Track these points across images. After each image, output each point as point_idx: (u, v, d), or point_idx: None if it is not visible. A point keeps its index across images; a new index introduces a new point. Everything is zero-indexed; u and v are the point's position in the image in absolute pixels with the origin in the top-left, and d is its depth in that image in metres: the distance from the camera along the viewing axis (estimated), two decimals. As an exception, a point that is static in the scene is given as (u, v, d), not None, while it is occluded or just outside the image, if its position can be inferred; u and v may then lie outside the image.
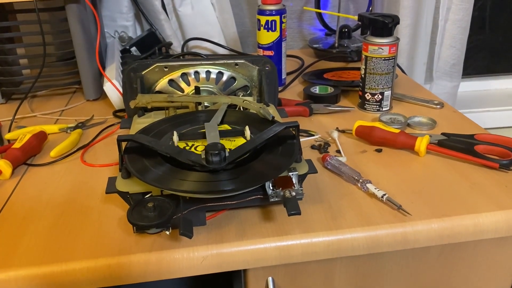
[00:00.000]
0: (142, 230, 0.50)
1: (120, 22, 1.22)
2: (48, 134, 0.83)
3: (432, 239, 0.57)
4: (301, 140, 0.77)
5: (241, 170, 0.52)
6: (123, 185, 0.53)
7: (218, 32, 1.25)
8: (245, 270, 0.58)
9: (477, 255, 0.61)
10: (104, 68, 0.98)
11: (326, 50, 1.19)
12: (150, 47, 1.10)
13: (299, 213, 0.50)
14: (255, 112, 0.64)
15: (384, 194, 0.60)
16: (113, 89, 0.87)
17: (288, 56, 1.22)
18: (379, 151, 0.73)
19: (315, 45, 1.22)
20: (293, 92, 1.00)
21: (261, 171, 0.53)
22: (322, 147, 0.74)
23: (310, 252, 0.55)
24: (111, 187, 0.53)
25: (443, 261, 0.61)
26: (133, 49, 1.10)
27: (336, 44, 1.20)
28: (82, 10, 0.91)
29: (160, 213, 0.49)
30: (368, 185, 0.62)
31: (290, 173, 0.55)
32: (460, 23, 1.22)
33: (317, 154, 0.73)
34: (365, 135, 0.75)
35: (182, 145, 0.57)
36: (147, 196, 0.53)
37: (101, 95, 0.99)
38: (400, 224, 0.56)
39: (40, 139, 0.76)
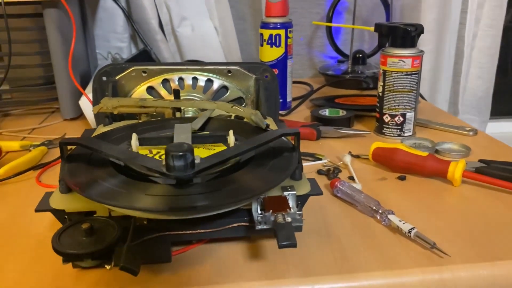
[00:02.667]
0: (72, 261, 0.36)
1: (114, 43, 1.12)
2: (8, 152, 0.70)
3: (480, 291, 0.41)
4: (305, 164, 0.63)
5: (217, 183, 0.38)
6: (58, 201, 0.39)
7: (220, 57, 1.15)
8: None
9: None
10: (85, 85, 0.87)
11: (338, 76, 1.07)
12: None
13: (294, 245, 0.35)
14: (247, 121, 0.51)
15: (412, 228, 0.45)
16: (89, 104, 0.75)
17: (296, 82, 1.10)
18: (402, 178, 0.59)
19: (326, 72, 1.10)
20: (300, 117, 0.87)
21: (247, 185, 0.38)
22: (332, 172, 0.60)
23: (310, 303, 0.40)
24: (43, 204, 0.40)
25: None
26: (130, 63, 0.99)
27: (349, 70, 1.08)
28: (62, 18, 0.81)
29: (99, 239, 0.35)
30: (391, 217, 0.47)
31: (286, 193, 0.40)
32: (489, 50, 1.10)
33: (325, 181, 0.59)
34: (385, 159, 0.61)
35: (144, 152, 0.43)
36: (94, 215, 0.39)
37: (81, 114, 0.87)
38: (436, 268, 0.41)
39: (-10, 154, 0.63)
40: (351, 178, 0.59)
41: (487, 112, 1.17)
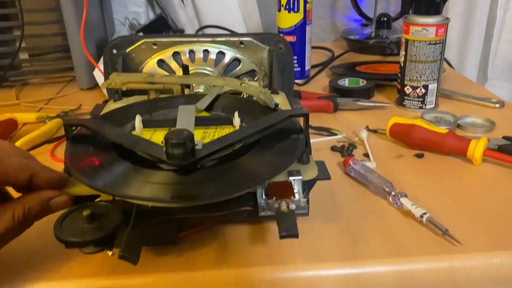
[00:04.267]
0: (73, 248, 0.36)
1: (131, 8, 1.10)
2: (24, 123, 0.71)
3: (492, 280, 0.40)
4: (320, 140, 0.62)
5: (221, 170, 0.37)
6: None
7: (239, 22, 1.12)
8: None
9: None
10: (101, 53, 0.86)
11: (361, 41, 1.03)
12: (159, 33, 0.98)
13: (296, 236, 0.34)
14: (256, 99, 0.49)
15: (424, 213, 0.43)
16: (102, 76, 0.74)
17: (316, 48, 1.06)
18: (420, 156, 0.56)
19: (348, 36, 1.06)
20: (318, 86, 0.84)
21: (251, 171, 0.37)
22: (346, 149, 0.58)
23: (316, 289, 0.39)
24: None
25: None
26: (141, 34, 0.98)
27: (373, 35, 1.03)
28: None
29: (101, 225, 0.35)
30: (403, 200, 0.45)
31: (291, 178, 0.39)
32: (524, 12, 1.03)
33: (339, 158, 0.58)
34: (403, 136, 0.58)
35: (147, 134, 0.43)
36: (96, 200, 0.39)
37: (97, 83, 0.87)
38: (447, 256, 0.40)
39: (7, 127, 0.64)
40: (366, 155, 0.58)
41: (518, 78, 1.11)
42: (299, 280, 0.39)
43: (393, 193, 0.47)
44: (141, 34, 0.98)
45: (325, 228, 0.44)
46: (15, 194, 0.38)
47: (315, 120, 0.68)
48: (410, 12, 0.68)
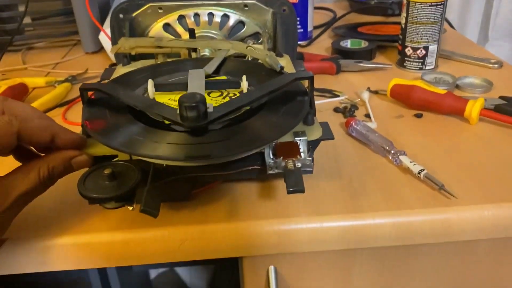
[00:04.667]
0: (96, 203, 0.39)
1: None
2: (33, 88, 0.73)
3: (483, 230, 0.43)
4: (323, 101, 0.64)
5: (231, 131, 0.40)
6: None
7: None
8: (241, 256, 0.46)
9: (542, 252, 0.47)
10: (105, 16, 0.86)
11: (363, 2, 1.03)
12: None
13: (302, 191, 0.37)
14: (261, 62, 0.51)
15: (422, 170, 0.46)
16: (108, 40, 0.75)
17: (318, 8, 1.07)
18: (419, 116, 0.59)
19: (350, -3, 1.06)
20: (320, 47, 0.86)
21: (259, 132, 0.40)
22: (348, 110, 0.61)
23: (319, 240, 0.42)
24: None
25: (493, 259, 0.47)
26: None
27: (375, -5, 1.03)
28: None
29: (121, 183, 0.37)
30: (402, 158, 0.48)
31: (297, 138, 0.42)
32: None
33: (341, 119, 0.60)
34: (403, 97, 0.60)
35: (160, 97, 0.45)
36: (114, 160, 0.41)
37: (102, 47, 0.88)
38: (442, 209, 0.43)
39: (18, 92, 0.65)
40: (368, 115, 0.60)
41: (519, 38, 1.11)
42: (304, 231, 0.42)
43: (392, 151, 0.49)
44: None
45: (328, 184, 0.47)
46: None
47: (318, 81, 0.70)
48: (413, -28, 0.68)
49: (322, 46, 0.86)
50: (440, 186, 0.44)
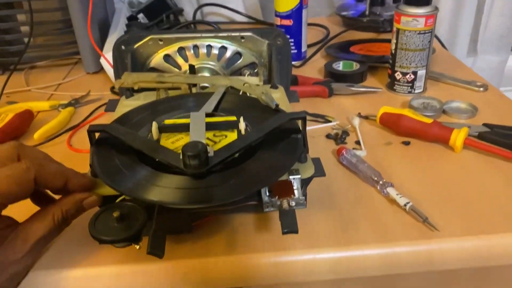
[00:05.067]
0: (107, 244, 0.42)
1: (130, -15, 1.12)
2: (38, 112, 0.75)
3: (463, 261, 0.46)
4: (316, 127, 0.67)
5: (231, 173, 0.43)
6: None
7: (238, -1, 1.14)
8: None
9: (519, 277, 0.51)
10: (106, 37, 0.89)
11: (355, 19, 1.06)
12: (159, 13, 1.01)
13: (296, 232, 0.40)
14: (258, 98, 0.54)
15: (408, 202, 0.49)
16: (108, 64, 0.78)
17: (312, 24, 1.10)
18: (406, 143, 0.62)
19: (343, 13, 1.09)
20: (314, 67, 0.89)
21: (257, 174, 0.43)
22: (339, 137, 0.64)
23: (312, 271, 0.46)
24: None
25: (475, 286, 0.51)
26: (141, 16, 1.01)
27: (367, 12, 1.06)
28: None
29: (129, 224, 0.41)
30: (389, 189, 0.51)
31: (291, 177, 0.45)
32: (514, -12, 1.06)
33: (333, 145, 0.63)
34: (391, 124, 0.64)
35: (163, 139, 0.48)
36: (118, 199, 0.44)
37: (102, 67, 0.90)
38: (425, 241, 0.46)
39: (25, 119, 0.68)
40: (358, 142, 0.63)
41: (506, 51, 1.15)
42: (298, 263, 0.45)
43: (380, 182, 0.53)
44: (141, 15, 1.01)
45: (320, 215, 0.50)
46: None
47: (311, 105, 0.73)
48: (401, 1, 0.71)
49: (316, 66, 0.89)
50: (424, 219, 0.47)
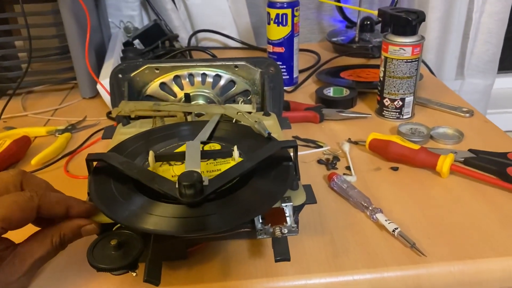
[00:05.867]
0: (104, 271, 0.43)
1: (126, 11, 1.15)
2: (35, 137, 0.77)
3: (450, 286, 0.48)
4: (307, 152, 0.69)
5: (226, 202, 0.44)
6: None
7: (229, 23, 1.17)
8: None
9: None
10: (102, 62, 0.91)
11: (345, 45, 1.09)
12: (154, 39, 1.03)
13: (288, 259, 0.42)
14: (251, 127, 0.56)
15: (396, 228, 0.51)
16: (105, 91, 0.80)
17: (304, 50, 1.13)
18: (395, 169, 0.64)
19: (333, 39, 1.12)
20: (306, 92, 0.91)
21: (250, 202, 0.45)
22: (330, 162, 0.66)
23: (304, 296, 0.47)
24: None
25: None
26: (136, 41, 1.03)
27: (357, 39, 1.10)
28: (76, 1, 0.83)
29: (126, 252, 0.42)
30: (378, 216, 0.53)
31: (283, 204, 0.46)
32: (498, 15, 1.10)
33: (324, 170, 0.65)
34: (380, 150, 0.66)
35: (160, 167, 0.49)
36: (115, 227, 0.45)
37: (98, 93, 0.92)
38: (413, 266, 0.48)
39: (22, 145, 0.69)
40: (348, 168, 0.65)
41: (492, 76, 1.18)
42: (291, 289, 0.47)
43: (370, 208, 0.54)
44: (137, 40, 1.03)
45: (311, 240, 0.51)
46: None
47: (303, 130, 0.75)
48: (389, 31, 0.74)
49: (307, 91, 0.91)
50: (412, 245, 0.49)
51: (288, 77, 0.92)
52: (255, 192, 0.46)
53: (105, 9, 1.12)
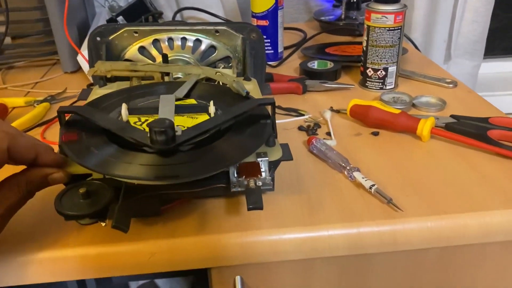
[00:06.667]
0: (72, 220, 0.42)
1: (111, -10, 1.13)
2: (13, 107, 0.75)
3: (427, 241, 0.47)
4: (289, 120, 0.68)
5: (198, 153, 0.44)
6: None
7: (216, 2, 1.15)
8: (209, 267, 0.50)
9: (485, 259, 0.52)
10: (84, 36, 0.90)
11: (332, 23, 1.09)
12: (138, 16, 1.02)
13: (260, 208, 0.41)
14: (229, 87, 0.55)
15: (373, 185, 0.50)
16: (85, 62, 0.79)
17: (290, 29, 1.12)
18: (375, 134, 0.63)
19: (320, 18, 1.11)
20: (290, 67, 0.90)
21: (224, 153, 0.44)
22: (311, 129, 0.65)
23: (279, 251, 0.46)
24: None
25: (442, 265, 0.52)
26: (120, 18, 1.01)
27: (343, 16, 1.09)
28: (56, -28, 0.82)
29: (95, 201, 0.41)
30: (355, 174, 0.52)
31: (259, 159, 0.46)
32: (484, -6, 1.09)
33: (305, 137, 0.64)
34: (361, 116, 0.65)
35: (133, 120, 0.48)
36: (88, 179, 0.45)
37: (80, 67, 0.91)
38: (389, 221, 0.47)
39: (-1, 112, 0.68)
40: (329, 133, 0.64)
41: (479, 56, 1.18)
42: (265, 243, 0.46)
43: (348, 167, 0.54)
44: (120, 17, 1.02)
45: (288, 198, 0.51)
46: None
47: (286, 101, 0.75)
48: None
49: (292, 66, 0.91)
50: (388, 200, 0.49)
51: (272, 51, 0.91)
52: (230, 145, 0.45)
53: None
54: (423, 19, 1.12)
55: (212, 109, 0.49)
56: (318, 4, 1.21)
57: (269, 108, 0.50)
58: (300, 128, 0.66)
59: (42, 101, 0.75)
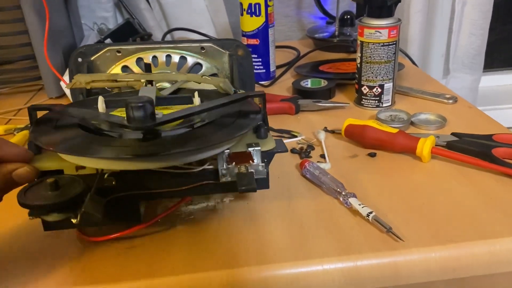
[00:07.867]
0: (38, 215, 0.37)
1: (99, 13, 1.11)
2: (-8, 136, 0.72)
3: (432, 273, 0.43)
4: (280, 142, 0.64)
5: (181, 137, 0.40)
6: None
7: (207, 22, 1.13)
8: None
9: (495, 291, 0.47)
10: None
11: (325, 40, 1.06)
12: (126, 38, 0.99)
13: (254, 190, 0.37)
14: (215, 89, 0.52)
15: (370, 212, 0.46)
16: (70, 84, 0.75)
17: (283, 47, 1.09)
18: (372, 155, 0.60)
19: (314, 35, 1.09)
20: (283, 87, 0.87)
21: (208, 136, 0.40)
22: (304, 151, 0.61)
23: (269, 289, 0.42)
24: None
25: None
26: (108, 41, 0.99)
27: (337, 33, 1.06)
28: (38, -4, 0.80)
29: (64, 192, 0.36)
30: (351, 200, 0.48)
31: (250, 149, 0.42)
32: (480, 7, 1.07)
33: (298, 160, 0.60)
34: (357, 136, 0.61)
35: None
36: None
37: (65, 93, 0.88)
38: (389, 252, 0.43)
39: (-26, 142, 0.64)
40: (323, 156, 0.60)
41: (479, 70, 1.15)
42: (254, 281, 0.42)
43: (343, 193, 0.50)
44: (108, 40, 1.00)
45: (278, 229, 0.47)
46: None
47: (278, 122, 0.71)
48: (364, 14, 0.71)
49: (285, 85, 0.87)
50: (388, 229, 0.44)
51: (264, 70, 0.88)
52: (216, 130, 0.41)
53: (77, 10, 1.08)
54: (419, 33, 1.09)
55: (197, 100, 0.46)
56: (311, 22, 1.18)
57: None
58: (293, 150, 0.62)
59: (22, 129, 0.72)
